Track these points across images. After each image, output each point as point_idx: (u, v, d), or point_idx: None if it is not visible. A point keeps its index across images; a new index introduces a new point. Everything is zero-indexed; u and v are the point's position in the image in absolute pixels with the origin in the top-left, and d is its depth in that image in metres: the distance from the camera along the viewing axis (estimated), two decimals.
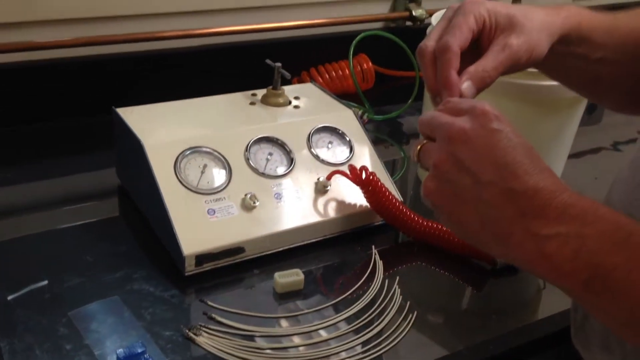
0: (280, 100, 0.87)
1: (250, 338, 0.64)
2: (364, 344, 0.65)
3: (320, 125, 0.83)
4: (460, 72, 0.57)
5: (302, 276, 0.71)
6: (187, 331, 0.63)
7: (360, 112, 1.08)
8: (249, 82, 0.91)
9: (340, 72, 1.17)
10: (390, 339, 0.66)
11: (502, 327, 0.70)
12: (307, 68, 1.17)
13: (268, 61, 0.86)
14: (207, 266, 0.71)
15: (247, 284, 0.72)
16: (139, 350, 0.59)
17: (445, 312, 0.73)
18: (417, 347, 0.67)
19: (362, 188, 0.78)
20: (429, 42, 0.59)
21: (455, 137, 0.51)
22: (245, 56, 1.12)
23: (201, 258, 0.70)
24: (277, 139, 0.80)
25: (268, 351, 0.63)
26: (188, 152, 0.75)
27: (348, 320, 0.68)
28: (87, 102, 1.02)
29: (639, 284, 0.44)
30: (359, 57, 1.20)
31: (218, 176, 0.75)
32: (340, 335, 0.66)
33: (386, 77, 1.24)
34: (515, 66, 0.60)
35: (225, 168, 0.76)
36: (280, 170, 0.78)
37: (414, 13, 1.24)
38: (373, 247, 0.79)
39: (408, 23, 1.27)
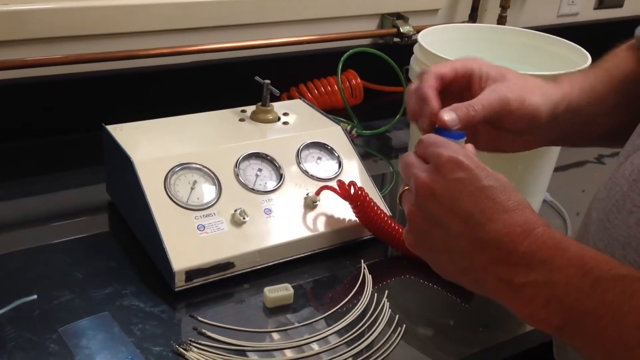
0: (270, 116, 0.87)
1: (240, 353, 0.65)
2: (353, 357, 0.65)
3: (309, 141, 0.84)
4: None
5: (291, 291, 0.72)
6: (177, 346, 0.64)
7: (348, 128, 1.09)
8: (239, 98, 0.92)
9: (329, 88, 1.18)
10: (380, 352, 0.66)
11: (490, 339, 0.71)
12: (296, 84, 1.18)
13: (257, 78, 0.87)
14: (197, 281, 0.72)
15: (237, 299, 0.73)
16: None
17: (434, 325, 0.73)
18: None
19: (350, 203, 0.79)
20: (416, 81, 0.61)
21: (421, 192, 0.52)
22: (235, 73, 1.13)
23: (191, 273, 0.71)
24: (267, 155, 0.81)
25: None
26: (178, 168, 0.75)
27: (338, 334, 0.68)
28: (77, 119, 1.03)
29: (612, 329, 0.44)
30: (347, 73, 1.22)
31: (208, 192, 0.75)
32: (330, 349, 0.66)
33: (374, 92, 1.26)
34: (505, 112, 0.59)
35: (215, 184, 0.76)
36: (270, 185, 0.79)
37: (401, 30, 1.26)
38: (362, 261, 0.79)
39: (396, 39, 1.29)
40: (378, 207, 0.80)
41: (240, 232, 0.74)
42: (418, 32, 0.95)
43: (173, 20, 1.06)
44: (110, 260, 0.76)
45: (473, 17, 1.40)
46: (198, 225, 0.73)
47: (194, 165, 0.76)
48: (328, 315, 0.71)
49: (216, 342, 0.65)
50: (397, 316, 0.71)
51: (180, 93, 1.09)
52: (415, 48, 0.90)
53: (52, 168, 0.96)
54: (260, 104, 0.88)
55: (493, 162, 0.63)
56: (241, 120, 0.87)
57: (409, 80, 0.92)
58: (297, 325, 0.69)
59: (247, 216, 0.75)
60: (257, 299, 0.72)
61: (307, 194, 0.79)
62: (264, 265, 0.76)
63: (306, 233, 0.78)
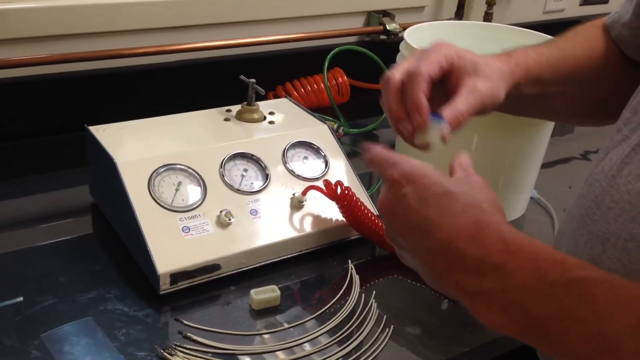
0: (255, 115, 0.87)
1: (226, 356, 0.64)
2: (342, 358, 0.65)
3: (295, 140, 0.83)
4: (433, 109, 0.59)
5: (278, 292, 0.71)
6: (161, 351, 0.63)
7: (335, 126, 1.08)
8: (224, 98, 0.91)
9: (315, 86, 1.17)
10: (368, 353, 0.66)
11: (479, 339, 0.71)
12: (282, 82, 1.17)
13: (242, 77, 0.86)
14: (182, 284, 0.71)
15: (223, 301, 0.72)
16: None
17: (422, 324, 0.73)
18: None
19: (337, 203, 0.78)
20: (396, 72, 0.61)
21: (383, 213, 0.55)
22: (220, 72, 1.12)
23: (176, 276, 0.70)
24: (252, 155, 0.80)
25: None
26: (162, 169, 0.74)
27: (326, 335, 0.68)
28: (61, 119, 1.01)
29: (573, 335, 0.44)
30: (334, 71, 1.21)
31: (193, 193, 0.75)
32: (319, 350, 0.66)
33: (361, 90, 1.25)
34: (482, 111, 0.62)
35: (200, 185, 0.75)
36: (256, 186, 0.78)
37: (387, 27, 1.26)
38: (349, 261, 0.79)
39: (382, 37, 1.28)
40: (365, 206, 0.79)
41: (226, 233, 0.73)
42: (404, 29, 0.94)
43: (159, 18, 1.05)
44: (94, 263, 0.75)
45: (459, 14, 1.40)
46: (183, 227, 0.72)
47: (179, 166, 0.75)
48: (315, 316, 0.70)
49: (202, 345, 0.65)
50: (385, 316, 0.71)
51: (167, 92, 1.08)
52: (402, 45, 0.90)
53: (35, 170, 0.94)
54: (245, 103, 0.87)
55: (480, 160, 0.63)
56: (226, 120, 0.86)
57: None
58: (285, 327, 0.68)
59: (233, 217, 0.74)
60: (244, 301, 0.71)
61: (294, 194, 0.79)
62: (250, 267, 0.75)
63: (293, 234, 0.77)
